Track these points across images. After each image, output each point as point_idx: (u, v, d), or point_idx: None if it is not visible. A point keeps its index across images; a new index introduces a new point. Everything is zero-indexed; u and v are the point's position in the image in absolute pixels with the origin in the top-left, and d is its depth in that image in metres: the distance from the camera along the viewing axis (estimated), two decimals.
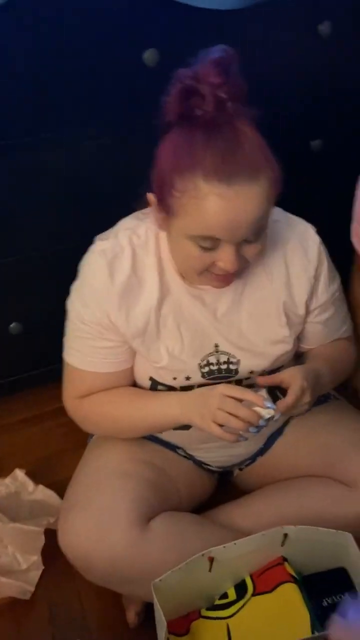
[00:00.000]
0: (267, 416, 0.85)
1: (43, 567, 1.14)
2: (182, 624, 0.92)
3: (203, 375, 0.96)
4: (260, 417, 0.84)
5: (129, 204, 0.92)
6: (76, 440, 1.31)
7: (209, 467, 1.11)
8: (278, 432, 1.09)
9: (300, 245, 0.97)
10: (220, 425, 0.86)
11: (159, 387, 0.98)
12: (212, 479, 1.15)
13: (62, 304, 0.98)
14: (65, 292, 0.98)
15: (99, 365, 0.97)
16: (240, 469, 1.14)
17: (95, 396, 0.99)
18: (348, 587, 0.91)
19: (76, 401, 1.01)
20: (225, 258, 0.83)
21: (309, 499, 1.01)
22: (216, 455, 1.08)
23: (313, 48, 1.23)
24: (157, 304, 0.93)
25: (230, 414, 0.85)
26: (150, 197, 0.87)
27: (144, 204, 0.90)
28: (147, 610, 1.05)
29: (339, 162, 1.29)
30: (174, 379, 0.96)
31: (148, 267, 0.93)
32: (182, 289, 0.94)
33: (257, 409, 0.85)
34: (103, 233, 0.96)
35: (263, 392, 0.88)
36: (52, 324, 1.04)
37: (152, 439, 1.07)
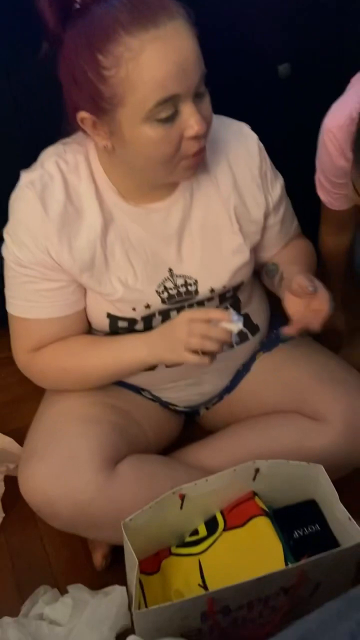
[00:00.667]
0: (237, 330, 0.81)
1: (4, 515, 1.10)
2: (152, 562, 0.90)
3: (163, 301, 0.92)
4: (230, 332, 0.81)
5: None
6: (34, 387, 1.25)
7: (175, 407, 1.08)
8: (245, 369, 1.07)
9: (240, 145, 0.93)
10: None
11: (119, 322, 0.93)
12: (178, 420, 1.13)
13: None
14: None
15: (47, 310, 0.90)
16: (207, 408, 1.12)
17: (49, 348, 0.92)
18: (318, 519, 0.91)
19: (28, 356, 0.94)
20: (191, 118, 0.77)
21: (277, 434, 1.01)
22: (183, 395, 1.05)
23: None
24: (101, 232, 0.87)
25: (203, 336, 0.81)
26: (82, 114, 0.80)
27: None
28: (114, 552, 1.03)
29: (308, 89, 1.23)
30: (133, 309, 0.91)
31: (84, 193, 0.86)
32: (125, 212, 0.88)
33: (224, 324, 0.81)
34: (30, 166, 0.88)
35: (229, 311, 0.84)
36: None
37: (116, 382, 1.03)
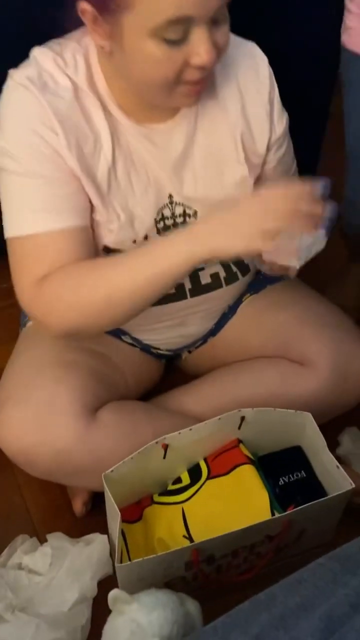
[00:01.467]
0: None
1: None
2: (134, 510, 0.88)
3: (159, 232, 0.85)
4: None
5: None
6: (6, 330, 1.20)
7: (157, 350, 1.04)
8: (231, 311, 1.03)
9: (251, 68, 0.85)
10: None
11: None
12: (159, 364, 1.09)
13: None
14: None
15: (64, 217, 0.75)
16: (190, 352, 1.08)
17: (62, 269, 0.75)
18: (304, 465, 0.90)
19: (35, 288, 0.76)
20: (201, 46, 0.69)
21: (263, 379, 0.98)
22: (167, 337, 1.01)
23: None
24: (109, 145, 0.78)
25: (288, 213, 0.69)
26: (83, 5, 0.69)
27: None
28: (94, 498, 1.01)
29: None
30: (134, 242, 0.84)
31: (88, 98, 0.76)
32: (128, 129, 0.80)
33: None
34: (18, 66, 0.76)
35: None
36: None
37: None
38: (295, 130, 0.93)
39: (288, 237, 0.69)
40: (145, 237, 0.85)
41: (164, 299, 0.92)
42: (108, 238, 0.83)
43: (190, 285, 0.93)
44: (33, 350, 0.91)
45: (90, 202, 0.80)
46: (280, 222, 0.69)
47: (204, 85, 0.76)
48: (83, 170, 0.77)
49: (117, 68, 0.75)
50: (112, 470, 0.79)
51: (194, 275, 0.93)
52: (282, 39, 1.06)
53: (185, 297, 0.93)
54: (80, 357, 0.90)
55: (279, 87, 0.88)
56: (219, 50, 0.73)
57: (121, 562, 0.76)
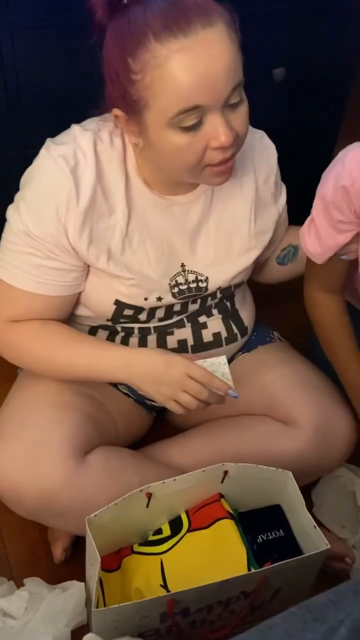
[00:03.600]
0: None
1: None
2: (113, 559, 0.88)
3: (174, 296, 0.92)
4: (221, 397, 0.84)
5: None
6: (1, 370, 1.23)
7: (151, 402, 1.06)
8: None
9: (264, 153, 0.95)
10: None
11: (125, 310, 0.91)
12: (149, 417, 1.12)
13: None
14: (3, 203, 0.86)
15: (41, 286, 0.86)
16: None
17: (27, 327, 0.88)
18: (282, 524, 0.91)
19: (3, 324, 0.90)
20: (217, 129, 0.74)
21: (247, 436, 1.01)
22: None
23: None
24: (124, 218, 0.85)
25: (195, 396, 0.83)
26: (116, 112, 0.78)
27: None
28: (74, 545, 1.01)
29: (303, 93, 1.23)
30: (145, 299, 0.90)
31: (114, 176, 0.84)
32: (149, 201, 0.87)
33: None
34: (57, 136, 0.85)
35: (224, 366, 0.86)
36: None
37: None
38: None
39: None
40: (159, 298, 0.91)
41: None
42: (120, 293, 0.89)
43: (192, 342, 0.98)
44: (30, 390, 0.94)
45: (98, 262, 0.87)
46: (189, 402, 0.84)
47: (229, 165, 0.80)
48: (93, 246, 0.84)
49: (149, 160, 0.83)
50: (95, 515, 0.80)
51: (197, 332, 0.98)
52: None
53: (186, 352, 0.97)
54: (76, 400, 0.93)
55: None
56: (238, 131, 0.77)
57: (97, 607, 0.76)
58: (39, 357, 0.89)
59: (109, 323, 0.95)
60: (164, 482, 0.85)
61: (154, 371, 0.84)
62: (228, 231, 0.93)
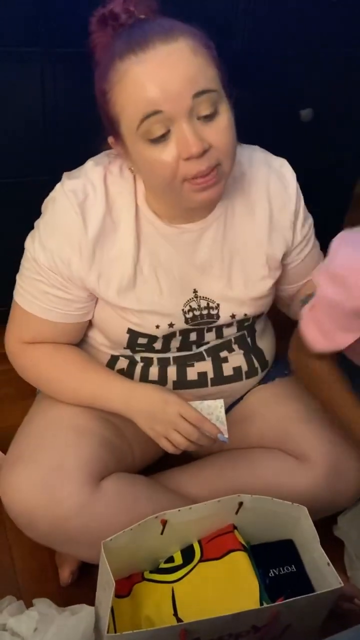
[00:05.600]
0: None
1: None
2: (124, 585, 0.88)
3: (186, 321, 0.93)
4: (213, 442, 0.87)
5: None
6: (18, 388, 1.24)
7: None
8: (238, 399, 1.08)
9: (280, 181, 0.94)
10: None
11: (139, 339, 0.93)
12: None
13: (20, 240, 0.90)
14: (25, 229, 0.89)
15: (49, 313, 0.90)
16: None
17: (41, 350, 0.93)
18: (294, 560, 0.91)
19: (19, 346, 0.94)
20: (183, 139, 0.74)
21: (259, 470, 1.01)
22: None
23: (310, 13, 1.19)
24: (134, 248, 0.87)
25: (186, 437, 0.86)
26: (110, 138, 0.82)
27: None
28: (81, 569, 1.01)
29: (330, 133, 1.27)
30: (157, 327, 0.91)
31: (123, 207, 0.86)
32: (159, 231, 0.89)
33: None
34: (72, 171, 0.88)
35: (221, 409, 0.88)
36: (6, 261, 0.95)
37: None
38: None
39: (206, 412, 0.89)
40: (171, 325, 0.92)
41: (185, 385, 0.98)
42: (132, 322, 0.91)
43: (212, 375, 0.99)
44: (50, 413, 0.95)
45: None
46: (179, 441, 0.87)
47: (209, 180, 0.77)
48: (103, 278, 0.87)
49: (144, 185, 0.86)
50: (111, 540, 0.81)
51: (218, 366, 0.99)
52: None
53: (206, 385, 0.98)
54: (94, 425, 0.94)
55: None
56: (213, 143, 0.76)
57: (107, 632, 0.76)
58: (49, 380, 0.93)
59: (128, 352, 0.96)
60: (179, 510, 0.86)
61: (150, 408, 0.87)
62: (241, 259, 0.93)
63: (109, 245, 0.86)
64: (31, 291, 0.90)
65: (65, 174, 0.87)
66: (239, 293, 0.94)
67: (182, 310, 0.92)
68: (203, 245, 0.91)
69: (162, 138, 0.75)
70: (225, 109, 0.78)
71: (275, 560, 0.91)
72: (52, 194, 0.87)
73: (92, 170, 0.86)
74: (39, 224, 0.88)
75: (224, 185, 0.82)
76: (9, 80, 1.06)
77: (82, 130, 1.11)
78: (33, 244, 0.88)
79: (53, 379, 0.93)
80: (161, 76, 0.73)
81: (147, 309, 0.90)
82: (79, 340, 0.97)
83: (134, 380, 0.95)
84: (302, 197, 0.96)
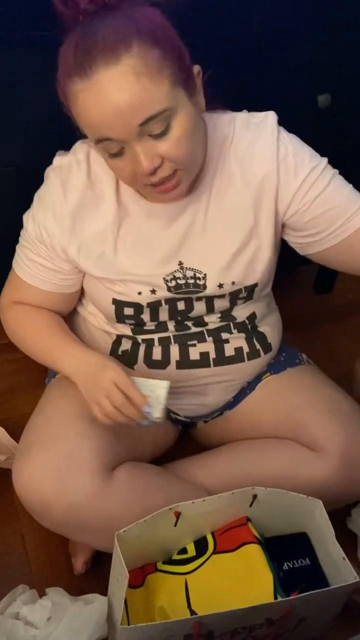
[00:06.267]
0: (145, 422, 0.86)
1: None
2: (136, 576, 0.89)
3: (169, 289, 0.93)
4: (142, 417, 0.86)
5: None
6: (29, 378, 1.25)
7: (176, 416, 1.07)
8: (249, 388, 1.07)
9: (261, 140, 0.87)
10: None
11: (125, 309, 0.94)
12: (175, 432, 1.12)
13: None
14: None
15: (35, 280, 0.96)
16: (205, 421, 1.11)
17: (22, 310, 0.98)
18: (309, 553, 0.91)
19: (8, 303, 1.00)
20: (136, 158, 0.77)
21: (273, 460, 1.00)
22: (187, 404, 1.04)
23: None
24: (114, 223, 0.89)
25: (116, 406, 0.86)
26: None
27: None
28: (94, 558, 1.02)
29: (348, 120, 1.23)
30: (139, 293, 0.92)
31: (106, 184, 0.88)
32: (141, 207, 0.89)
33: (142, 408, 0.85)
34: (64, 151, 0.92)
35: (163, 390, 0.87)
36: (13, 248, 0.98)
37: None
38: None
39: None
40: (153, 291, 0.92)
41: (190, 364, 0.98)
42: (115, 291, 0.93)
43: (214, 354, 0.98)
44: (61, 402, 0.95)
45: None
46: (107, 409, 0.86)
47: (171, 184, 0.80)
48: (83, 251, 0.90)
49: None
50: (124, 531, 0.81)
51: (219, 346, 0.99)
52: None
53: (208, 365, 0.98)
54: None
55: None
56: (168, 157, 0.77)
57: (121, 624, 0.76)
58: (23, 337, 0.98)
59: (129, 331, 0.97)
60: (193, 502, 0.85)
61: (89, 370, 0.89)
62: (226, 228, 0.91)
63: (90, 218, 0.89)
64: (22, 258, 0.95)
65: (58, 152, 0.91)
66: (225, 262, 0.92)
67: (164, 279, 0.92)
68: (187, 216, 0.90)
69: (118, 154, 0.78)
70: (180, 118, 0.77)
71: (289, 553, 0.90)
72: (46, 170, 0.91)
73: (79, 148, 0.89)
74: (36, 194, 0.93)
75: (190, 180, 0.84)
76: (21, 65, 1.04)
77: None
78: (27, 216, 0.93)
79: (25, 337, 0.98)
80: (105, 108, 0.74)
81: (129, 279, 0.92)
82: (66, 311, 1.01)
83: (96, 350, 0.95)
84: (290, 143, 0.88)
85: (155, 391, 0.87)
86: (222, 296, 0.95)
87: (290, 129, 0.94)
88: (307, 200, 0.90)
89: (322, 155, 0.94)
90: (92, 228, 0.89)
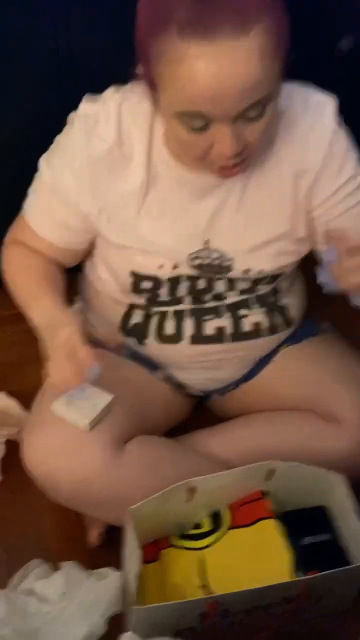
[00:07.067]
0: (83, 385, 0.81)
1: (1, 478, 1.06)
2: (150, 550, 0.87)
3: (192, 267, 0.87)
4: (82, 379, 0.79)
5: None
6: (40, 348, 1.21)
7: (188, 390, 1.03)
8: (266, 360, 1.02)
9: (316, 124, 0.81)
10: None
11: (143, 282, 0.88)
12: (188, 404, 1.08)
13: None
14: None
15: (40, 228, 0.90)
16: (221, 394, 1.07)
17: (18, 250, 0.93)
18: (328, 527, 0.88)
19: (12, 241, 0.95)
20: (219, 140, 0.69)
21: (291, 432, 0.96)
22: (199, 378, 1.01)
23: None
24: (142, 189, 0.82)
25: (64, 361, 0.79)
26: (139, 70, 0.72)
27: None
28: (110, 531, 1.00)
29: None
30: (160, 267, 0.86)
31: (137, 142, 0.80)
32: (174, 173, 0.82)
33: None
34: (96, 96, 0.82)
35: (102, 403, 0.82)
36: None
37: (132, 356, 0.98)
38: None
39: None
40: (175, 266, 0.87)
41: (204, 340, 0.93)
42: (134, 262, 0.87)
43: (231, 329, 0.94)
44: None
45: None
46: (57, 364, 0.80)
47: (235, 171, 0.75)
48: (105, 213, 0.83)
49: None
50: (136, 507, 0.78)
51: (237, 321, 0.94)
52: None
53: (224, 341, 0.93)
54: (115, 387, 0.89)
55: None
56: (250, 142, 0.71)
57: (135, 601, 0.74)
58: (11, 275, 0.93)
59: (142, 303, 0.92)
60: (206, 477, 0.82)
61: (52, 323, 0.83)
62: (262, 212, 0.85)
63: (114, 179, 0.81)
64: (32, 200, 0.90)
65: (85, 97, 0.82)
66: (254, 249, 0.87)
67: (189, 255, 0.86)
68: (222, 192, 0.83)
69: (201, 129, 0.69)
70: (272, 107, 0.71)
71: (308, 528, 0.87)
72: (70, 115, 0.83)
73: (110, 97, 0.81)
74: (54, 141, 0.85)
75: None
76: (19, 26, 0.98)
77: (99, 74, 1.03)
78: (43, 160, 0.87)
79: (14, 277, 0.93)
80: (218, 83, 0.64)
81: (151, 249, 0.85)
82: (68, 265, 0.95)
83: (68, 311, 0.89)
84: (346, 140, 0.84)
85: (95, 399, 0.83)
86: (245, 280, 0.90)
87: (309, 76, 0.87)
88: (332, 210, 0.86)
89: (343, 101, 0.87)
90: (116, 190, 0.82)
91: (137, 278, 0.88)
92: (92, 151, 0.80)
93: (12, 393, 1.15)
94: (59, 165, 0.83)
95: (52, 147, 0.85)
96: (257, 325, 0.95)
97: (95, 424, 0.83)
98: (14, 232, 0.95)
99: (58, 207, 0.86)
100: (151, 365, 0.99)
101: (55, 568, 0.92)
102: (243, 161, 0.74)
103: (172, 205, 0.83)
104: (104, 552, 0.98)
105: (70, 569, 0.89)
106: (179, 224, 0.84)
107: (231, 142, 0.69)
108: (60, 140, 0.84)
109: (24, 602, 0.84)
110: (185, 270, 0.87)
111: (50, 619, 0.81)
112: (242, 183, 0.83)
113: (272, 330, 0.97)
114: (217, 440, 1.00)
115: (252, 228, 0.86)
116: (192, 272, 0.87)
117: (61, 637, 0.79)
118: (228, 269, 0.88)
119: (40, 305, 0.86)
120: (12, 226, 0.95)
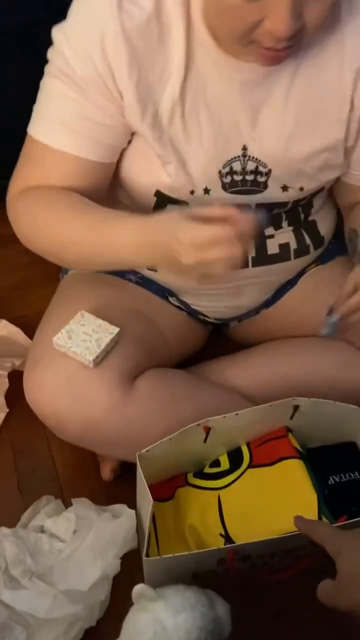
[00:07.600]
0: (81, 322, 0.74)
1: (7, 410, 1.01)
2: (166, 488, 0.82)
3: (224, 187, 0.75)
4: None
5: None
6: (46, 270, 1.12)
7: (205, 317, 0.94)
8: (291, 283, 0.93)
9: None
10: None
11: (168, 206, 0.77)
12: (204, 331, 1.00)
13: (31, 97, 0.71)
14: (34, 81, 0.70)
15: (80, 144, 0.71)
16: (239, 321, 0.98)
17: (38, 193, 0.74)
18: (358, 465, 0.81)
19: (18, 193, 0.76)
20: (275, 13, 0.58)
21: (318, 361, 0.89)
22: (217, 306, 0.92)
23: None
24: (180, 72, 0.68)
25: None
26: None
27: None
28: (124, 464, 0.96)
29: None
30: (192, 192, 0.74)
31: (174, 16, 0.66)
32: (212, 57, 0.68)
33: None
34: None
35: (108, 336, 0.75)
36: (20, 122, 0.75)
37: (141, 282, 0.89)
38: None
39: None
40: (207, 191, 0.75)
41: None
42: (162, 181, 0.74)
43: (254, 253, 0.83)
44: (72, 305, 0.83)
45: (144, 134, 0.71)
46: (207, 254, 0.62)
47: (280, 56, 0.64)
48: (140, 99, 0.68)
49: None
50: (147, 450, 0.72)
51: (261, 242, 0.83)
52: None
53: (247, 266, 0.83)
54: (123, 318, 0.82)
55: None
56: (308, 24, 0.61)
57: (149, 547, 0.70)
58: (44, 232, 0.74)
59: None
60: (224, 416, 0.75)
61: (164, 249, 0.64)
62: (311, 113, 0.73)
63: (151, 59, 0.67)
64: (58, 117, 0.71)
65: None
66: (297, 159, 0.75)
67: (220, 172, 0.74)
68: (266, 88, 0.70)
69: None
70: None
71: (335, 466, 0.81)
72: None
73: None
74: (66, 26, 0.68)
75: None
76: None
77: None
78: (57, 51, 0.68)
79: (50, 231, 0.73)
80: None
81: (179, 163, 0.72)
82: (95, 193, 0.75)
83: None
84: None
85: (98, 333, 0.75)
86: (283, 204, 0.78)
87: None
88: None
89: None
90: (154, 74, 0.68)
91: (162, 199, 0.76)
92: (130, 21, 0.65)
93: (16, 319, 1.08)
94: (90, 46, 0.66)
95: (71, 30, 0.67)
96: (284, 247, 0.85)
97: (100, 360, 0.75)
98: (20, 181, 0.76)
99: (100, 106, 0.69)
100: (164, 292, 0.90)
101: (68, 503, 0.89)
102: (293, 46, 0.63)
103: (209, 98, 0.70)
104: (118, 487, 0.94)
105: (81, 507, 0.85)
106: (216, 121, 0.72)
107: (290, 16, 0.58)
108: (85, 15, 0.66)
109: (34, 540, 0.82)
110: (217, 194, 0.75)
111: (62, 560, 0.79)
112: (291, 80, 0.70)
113: (301, 252, 0.86)
114: (236, 370, 0.93)
115: (298, 133, 0.73)
116: (224, 194, 0.75)
117: (74, 579, 0.76)
118: (264, 185, 0.76)
119: (118, 224, 0.68)
120: (14, 178, 0.77)
